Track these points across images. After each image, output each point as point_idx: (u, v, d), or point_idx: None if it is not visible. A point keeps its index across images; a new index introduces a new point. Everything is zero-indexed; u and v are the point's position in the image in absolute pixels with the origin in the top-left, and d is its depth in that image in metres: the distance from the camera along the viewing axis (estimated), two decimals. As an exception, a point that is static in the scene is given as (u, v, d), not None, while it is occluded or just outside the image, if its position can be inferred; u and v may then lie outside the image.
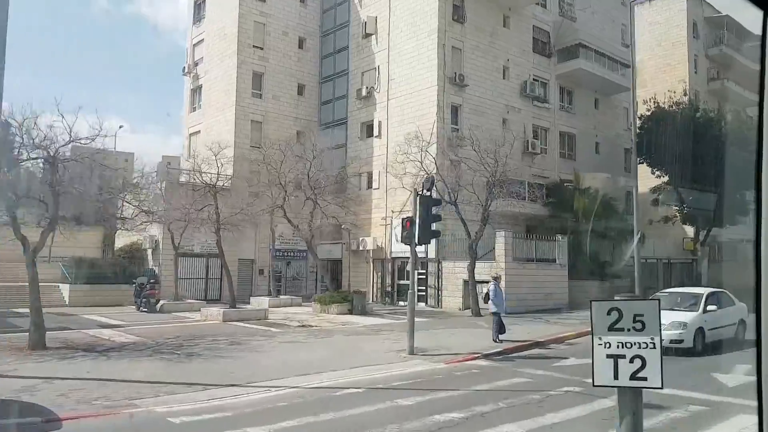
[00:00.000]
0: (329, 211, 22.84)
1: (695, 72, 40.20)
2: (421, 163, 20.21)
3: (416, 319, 20.00)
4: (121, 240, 29.02)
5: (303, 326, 17.10)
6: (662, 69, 39.88)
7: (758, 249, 1.60)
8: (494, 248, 22.54)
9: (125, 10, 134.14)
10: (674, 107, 28.18)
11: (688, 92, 29.49)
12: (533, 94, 28.86)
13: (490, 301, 13.46)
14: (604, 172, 31.21)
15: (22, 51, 78.01)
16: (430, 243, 12.24)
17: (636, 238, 23.47)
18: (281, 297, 25.56)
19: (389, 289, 26.73)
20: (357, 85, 29.35)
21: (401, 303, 25.92)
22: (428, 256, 25.20)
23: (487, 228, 22.36)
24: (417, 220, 11.54)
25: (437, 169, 19.92)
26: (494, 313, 13.24)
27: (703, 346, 12.25)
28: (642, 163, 32.02)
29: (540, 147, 29.32)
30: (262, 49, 30.04)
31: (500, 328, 13.23)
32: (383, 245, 27.15)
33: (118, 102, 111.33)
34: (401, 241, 11.82)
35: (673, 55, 40.30)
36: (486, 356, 11.50)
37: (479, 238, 20.35)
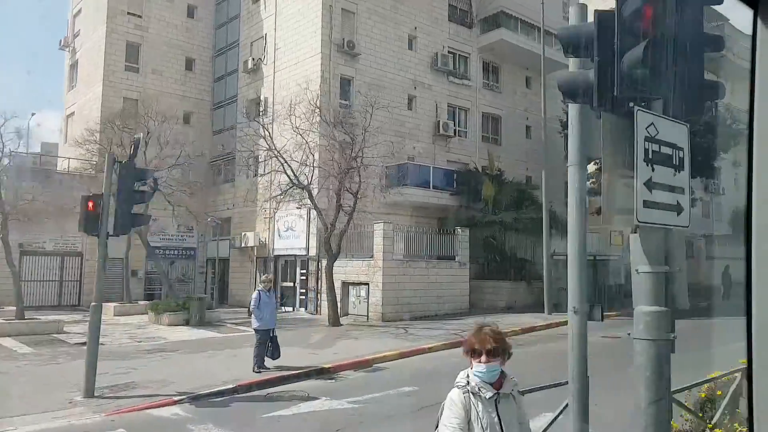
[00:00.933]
0: (178, 201, 19.13)
1: (649, 52, 36.82)
2: (272, 139, 16.48)
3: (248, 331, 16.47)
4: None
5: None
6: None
7: (749, 250, 1.50)
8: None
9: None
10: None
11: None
12: (446, 68, 25.19)
13: (252, 315, 9.72)
14: (535, 158, 27.68)
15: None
16: (129, 232, 8.51)
17: (545, 232, 19.98)
18: (139, 303, 21.76)
19: (271, 291, 22.94)
20: (246, 56, 25.61)
21: (285, 309, 22.26)
22: (309, 254, 21.56)
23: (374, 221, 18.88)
24: (108, 200, 7.85)
25: (275, 147, 16.16)
26: (258, 330, 9.52)
27: None
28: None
29: (456, 129, 25.69)
30: (140, 17, 26.21)
31: (274, 351, 9.54)
32: (267, 241, 23.44)
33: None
34: (82, 230, 8.14)
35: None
36: (195, 398, 7.81)
37: (336, 231, 16.65)
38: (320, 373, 9.61)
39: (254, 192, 23.71)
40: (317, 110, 16.52)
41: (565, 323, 15.68)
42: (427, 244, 20.50)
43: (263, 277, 10.28)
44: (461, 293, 20.41)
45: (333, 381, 9.30)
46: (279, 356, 9.56)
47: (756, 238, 1.54)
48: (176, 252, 26.33)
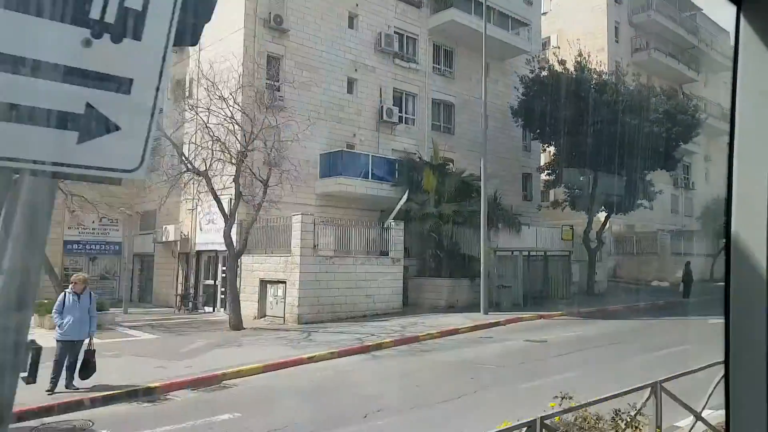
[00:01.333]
0: (77, 191, 17.07)
1: (616, 41, 35.35)
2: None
3: (147, 336, 14.59)
4: None
5: None
6: (582, 38, 34.93)
7: (728, 247, 1.55)
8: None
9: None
10: (557, 67, 22.97)
11: (582, 52, 24.07)
12: (392, 49, 23.34)
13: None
14: (491, 148, 25.97)
15: None
16: None
17: (483, 226, 18.21)
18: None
19: (192, 290, 21.01)
20: (173, 35, 23.55)
21: (206, 309, 20.33)
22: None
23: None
24: None
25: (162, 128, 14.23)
26: (61, 341, 7.62)
27: None
28: (536, 139, 27.02)
29: (402, 116, 23.89)
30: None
31: (82, 369, 7.62)
32: (189, 235, 21.45)
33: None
34: None
35: (593, 22, 35.45)
36: None
37: (241, 224, 14.78)
38: (144, 393, 7.73)
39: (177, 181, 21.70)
40: (214, 87, 14.57)
41: (497, 324, 13.49)
42: (360, 239, 18.69)
43: (73, 276, 8.36)
44: (394, 291, 18.66)
45: (154, 404, 7.43)
46: (88, 376, 7.61)
47: (735, 236, 1.54)
48: (98, 247, 24.23)
